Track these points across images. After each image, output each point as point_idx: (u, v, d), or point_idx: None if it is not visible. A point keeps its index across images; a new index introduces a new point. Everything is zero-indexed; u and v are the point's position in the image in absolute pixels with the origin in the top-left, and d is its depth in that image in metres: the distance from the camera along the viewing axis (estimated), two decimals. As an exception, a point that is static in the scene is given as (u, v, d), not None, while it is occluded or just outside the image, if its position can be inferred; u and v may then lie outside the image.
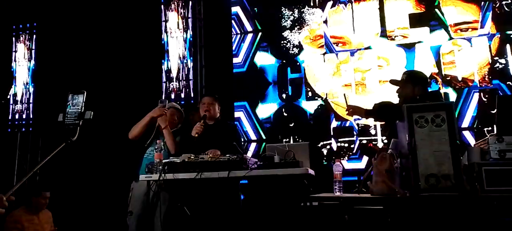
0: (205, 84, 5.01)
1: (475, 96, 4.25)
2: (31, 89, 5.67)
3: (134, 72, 5.00)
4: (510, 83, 4.21)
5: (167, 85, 5.10)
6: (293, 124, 4.75)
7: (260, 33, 5.03)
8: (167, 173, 2.54)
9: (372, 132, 4.48)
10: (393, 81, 2.87)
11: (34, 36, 5.73)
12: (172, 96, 5.05)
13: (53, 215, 3.60)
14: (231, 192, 2.91)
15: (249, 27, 5.09)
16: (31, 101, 5.62)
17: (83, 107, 1.71)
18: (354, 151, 4.52)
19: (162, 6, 5.28)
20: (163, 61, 5.15)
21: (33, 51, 5.70)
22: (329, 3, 4.85)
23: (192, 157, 2.62)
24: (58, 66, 5.35)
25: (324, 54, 4.79)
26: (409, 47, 4.52)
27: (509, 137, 2.23)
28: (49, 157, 1.60)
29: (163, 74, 5.13)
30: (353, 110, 2.84)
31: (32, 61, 5.71)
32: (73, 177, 4.85)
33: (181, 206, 2.84)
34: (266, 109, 4.86)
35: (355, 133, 4.54)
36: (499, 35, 4.31)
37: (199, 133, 2.94)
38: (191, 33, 5.14)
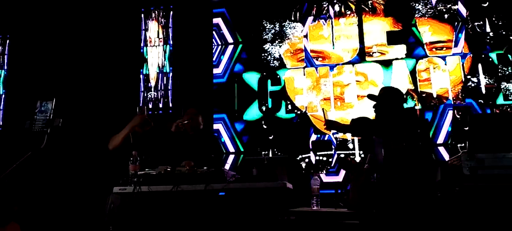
0: (184, 95, 4.95)
1: (450, 113, 4.38)
2: (3, 96, 5.47)
3: (111, 81, 4.90)
4: (482, 101, 4.36)
5: (145, 94, 5.02)
6: (272, 136, 4.76)
7: (240, 45, 5.04)
8: (142, 185, 2.49)
9: (350, 146, 4.53)
10: (370, 97, 2.92)
11: (8, 41, 5.55)
12: (150, 106, 4.97)
13: (22, 228, 3.44)
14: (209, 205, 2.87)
15: (230, 39, 5.09)
16: (1, 107, 5.41)
17: (52, 115, 1.65)
18: (332, 165, 4.55)
19: (142, 15, 5.23)
20: (141, 70, 5.08)
21: (5, 57, 5.52)
22: (310, 18, 4.93)
23: (169, 169, 2.57)
24: (32, 73, 5.19)
25: (304, 68, 4.84)
26: (386, 63, 4.63)
27: (480, 154, 2.29)
28: (14, 166, 1.53)
29: (141, 83, 5.05)
30: (330, 125, 2.87)
31: (4, 67, 5.52)
32: (45, 188, 4.67)
33: (155, 219, 2.76)
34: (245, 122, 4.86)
35: (333, 147, 4.58)
36: (471, 55, 4.48)
37: (179, 128, 2.97)
38: (171, 43, 5.10)
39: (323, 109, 2.96)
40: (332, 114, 4.62)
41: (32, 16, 5.20)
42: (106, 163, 3.12)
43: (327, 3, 4.91)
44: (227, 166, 4.68)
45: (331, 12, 4.88)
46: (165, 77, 5.04)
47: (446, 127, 4.36)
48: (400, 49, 4.63)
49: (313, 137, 4.66)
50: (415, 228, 2.27)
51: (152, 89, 5.03)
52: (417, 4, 4.69)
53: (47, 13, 5.14)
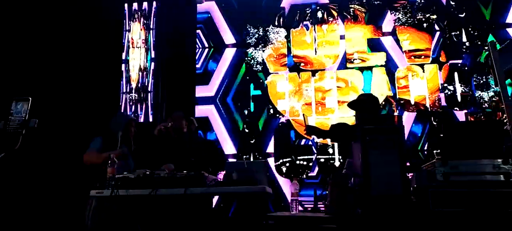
0: (166, 98, 4.92)
1: (426, 120, 4.49)
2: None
3: (92, 82, 4.82)
4: (458, 108, 4.49)
5: (126, 96, 4.96)
6: (254, 140, 4.77)
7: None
8: (120, 189, 2.45)
9: (330, 151, 4.59)
10: (350, 105, 2.98)
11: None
12: (132, 108, 4.92)
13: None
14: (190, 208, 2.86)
15: (215, 41, 5.11)
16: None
17: (27, 115, 1.62)
18: (313, 171, 4.59)
19: (126, 16, 5.17)
20: (123, 72, 5.02)
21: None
22: (293, 24, 4.98)
23: (148, 173, 2.55)
24: (7, 72, 5.04)
25: (286, 73, 4.88)
26: (366, 70, 4.72)
27: (453, 161, 2.37)
28: None
29: (122, 84, 4.99)
30: (311, 130, 2.91)
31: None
32: (21, 190, 4.54)
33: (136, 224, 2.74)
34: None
35: (314, 152, 4.62)
36: (448, 64, 4.61)
37: (161, 131, 2.96)
38: (153, 45, 5.06)
39: (303, 114, 3.00)
40: (313, 119, 4.67)
41: (7, 14, 5.07)
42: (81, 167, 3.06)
43: (310, 10, 4.98)
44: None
45: (314, 19, 4.96)
46: (146, 79, 5.00)
47: (422, 134, 4.48)
48: (380, 57, 4.73)
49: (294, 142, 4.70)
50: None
51: (133, 91, 4.97)
52: (397, 13, 4.80)
53: (24, 12, 5.02)
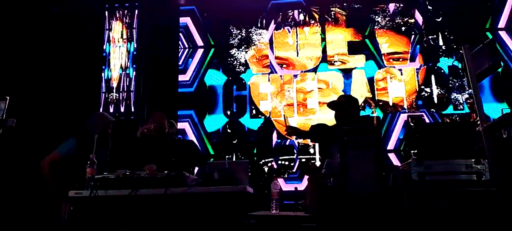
0: (148, 97, 4.88)
1: (400, 121, 4.60)
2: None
3: (72, 80, 4.73)
4: (434, 110, 4.63)
5: (107, 95, 4.89)
6: (236, 140, 4.79)
7: (212, 49, 5.05)
8: (99, 190, 2.43)
9: (311, 151, 4.65)
10: (330, 105, 3.03)
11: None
12: (111, 108, 4.85)
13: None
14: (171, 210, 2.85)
15: (199, 42, 5.09)
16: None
17: (4, 115, 1.59)
18: (294, 170, 4.64)
19: (106, 13, 5.10)
20: (103, 70, 4.95)
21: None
22: (275, 26, 5.03)
23: (128, 173, 2.53)
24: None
25: (269, 74, 4.92)
26: (347, 72, 4.80)
27: (428, 161, 2.44)
28: None
29: (103, 84, 4.92)
30: (291, 130, 2.95)
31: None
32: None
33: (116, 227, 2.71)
34: (214, 123, 4.86)
35: (295, 151, 4.68)
36: (425, 67, 4.75)
37: (144, 134, 2.95)
38: (135, 44, 5.01)
39: (284, 115, 3.04)
40: (295, 120, 4.73)
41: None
42: (60, 167, 3.01)
43: (292, 12, 5.04)
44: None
45: (296, 20, 5.01)
46: (127, 79, 4.94)
47: (396, 134, 4.59)
48: (359, 59, 4.82)
49: (276, 142, 4.74)
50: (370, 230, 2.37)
51: (114, 90, 4.91)
52: (376, 17, 4.91)
53: (1, 9, 4.89)
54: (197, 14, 5.16)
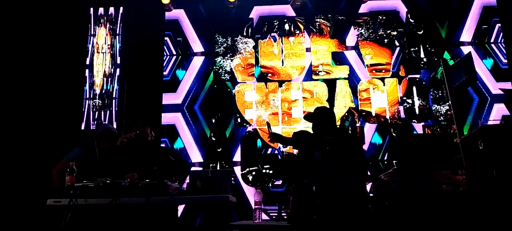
0: (131, 105, 4.82)
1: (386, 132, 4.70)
2: None
3: (55, 87, 4.65)
4: (415, 121, 4.72)
5: (89, 102, 4.82)
6: (221, 149, 4.78)
7: (180, 56, 5.05)
8: (79, 198, 2.39)
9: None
10: (306, 117, 3.07)
11: None
12: (95, 115, 4.78)
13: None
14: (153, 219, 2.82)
15: (174, 51, 5.10)
16: None
17: None
18: (279, 181, 4.64)
19: (91, 20, 5.05)
20: (86, 77, 4.89)
21: None
22: (261, 35, 5.07)
23: (108, 181, 2.49)
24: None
25: (254, 82, 4.94)
26: (331, 82, 4.87)
27: (408, 171, 2.49)
28: None
29: (86, 91, 4.85)
30: (274, 137, 2.97)
31: None
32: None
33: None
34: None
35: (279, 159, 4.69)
36: (407, 78, 4.85)
37: (124, 143, 2.93)
38: (119, 51, 4.97)
39: (267, 122, 3.05)
40: (280, 129, 4.75)
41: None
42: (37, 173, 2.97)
43: (278, 22, 5.09)
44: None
45: (281, 31, 5.07)
46: (111, 85, 4.89)
47: (382, 144, 4.67)
48: (343, 69, 4.90)
49: (260, 150, 4.75)
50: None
51: (97, 97, 4.85)
52: (360, 29, 5.01)
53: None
54: (182, 21, 5.16)
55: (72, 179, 2.43)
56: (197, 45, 5.10)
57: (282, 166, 2.98)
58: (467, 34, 4.90)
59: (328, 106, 4.69)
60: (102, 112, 4.79)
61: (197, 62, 5.05)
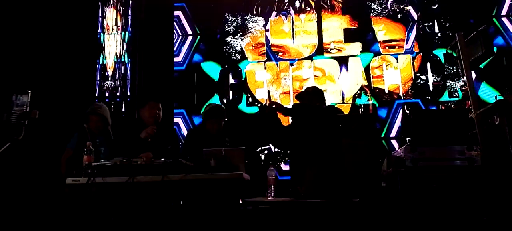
0: (143, 85, 4.87)
1: (401, 110, 4.65)
2: None
3: (66, 69, 4.70)
4: (429, 97, 4.66)
5: (102, 84, 4.88)
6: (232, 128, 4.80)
7: (198, 37, 5.03)
8: (97, 177, 2.45)
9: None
10: (298, 96, 3.08)
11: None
12: (108, 96, 4.84)
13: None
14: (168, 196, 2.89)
15: (189, 30, 5.07)
16: None
17: (28, 107, 1.76)
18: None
19: (100, 1, 5.05)
20: (98, 59, 4.93)
21: None
22: (272, 13, 5.01)
23: (125, 160, 2.54)
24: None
25: (265, 61, 4.92)
26: (342, 60, 4.81)
27: (422, 148, 2.47)
28: None
29: (98, 72, 4.90)
30: (276, 106, 2.99)
31: None
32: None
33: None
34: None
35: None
36: (421, 54, 4.76)
37: (148, 136, 2.98)
38: (129, 32, 4.98)
39: (268, 91, 3.07)
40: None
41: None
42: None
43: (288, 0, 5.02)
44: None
45: (292, 8, 4.99)
46: (123, 66, 4.92)
47: (398, 122, 4.63)
48: (356, 47, 4.83)
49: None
50: (363, 215, 2.42)
51: (109, 78, 4.89)
52: (373, 4, 4.90)
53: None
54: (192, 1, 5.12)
55: (89, 158, 2.48)
56: (207, 25, 5.06)
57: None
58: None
59: (337, 85, 4.67)
60: (115, 94, 4.85)
61: (207, 42, 5.03)
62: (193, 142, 3.27)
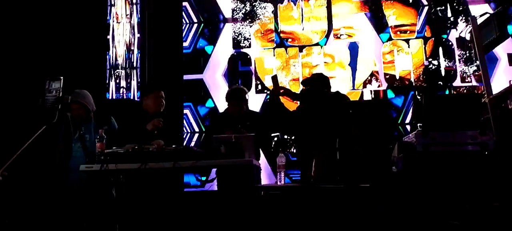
0: (153, 74, 4.89)
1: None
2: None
3: (75, 58, 4.75)
4: (441, 83, 4.59)
5: (112, 72, 4.92)
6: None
7: (202, 24, 5.01)
8: (109, 163, 2.49)
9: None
10: (304, 82, 3.07)
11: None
12: (119, 84, 4.89)
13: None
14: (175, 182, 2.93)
15: (195, 18, 5.06)
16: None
17: (61, 92, 1.87)
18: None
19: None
20: (108, 48, 4.96)
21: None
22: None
23: (136, 147, 2.58)
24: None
25: (274, 48, 4.89)
26: (353, 45, 4.75)
27: (433, 133, 2.45)
28: (34, 137, 1.86)
29: (109, 61, 4.94)
30: (284, 91, 2.99)
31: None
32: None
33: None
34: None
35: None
36: (433, 39, 4.68)
37: (154, 128, 3.02)
38: (138, 20, 4.99)
39: (275, 75, 3.05)
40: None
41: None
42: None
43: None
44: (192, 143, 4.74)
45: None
46: (132, 55, 4.95)
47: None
48: (367, 32, 4.76)
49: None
50: (374, 201, 2.42)
51: (119, 67, 4.93)
52: (384, -12, 4.81)
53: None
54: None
55: (102, 145, 2.53)
56: (216, 12, 5.05)
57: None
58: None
59: (347, 71, 4.63)
60: (125, 82, 4.89)
61: (216, 29, 5.02)
62: (216, 126, 3.29)
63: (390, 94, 4.61)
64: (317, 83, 2.98)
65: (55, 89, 1.88)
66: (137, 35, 4.97)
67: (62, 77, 1.91)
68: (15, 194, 3.94)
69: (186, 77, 4.94)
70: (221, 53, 4.97)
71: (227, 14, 5.02)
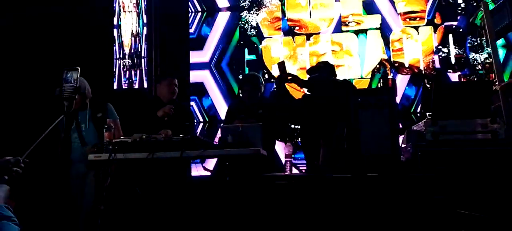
0: (160, 63, 4.90)
1: (419, 83, 4.53)
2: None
3: (83, 48, 4.76)
4: (451, 71, 4.52)
5: (119, 62, 4.93)
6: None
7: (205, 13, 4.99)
8: (118, 153, 2.51)
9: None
10: (310, 70, 3.04)
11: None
12: (126, 74, 4.90)
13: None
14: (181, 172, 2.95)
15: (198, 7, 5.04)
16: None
17: (78, 83, 1.88)
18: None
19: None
20: (115, 37, 4.96)
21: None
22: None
23: (144, 137, 2.59)
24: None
25: (281, 37, 4.85)
26: (361, 33, 4.69)
27: (443, 121, 2.42)
28: (52, 126, 1.96)
29: (116, 51, 4.95)
30: (292, 78, 2.97)
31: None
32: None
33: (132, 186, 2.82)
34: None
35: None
36: (443, 26, 4.59)
37: (164, 115, 3.03)
38: (145, 10, 4.97)
39: (283, 61, 3.02)
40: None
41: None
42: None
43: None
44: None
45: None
46: (139, 44, 4.95)
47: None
48: (375, 19, 4.69)
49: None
50: (382, 191, 2.41)
51: (127, 56, 4.94)
52: (392, -26, 4.72)
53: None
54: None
55: (110, 135, 2.54)
56: (222, 1, 5.01)
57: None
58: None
59: (356, 59, 4.58)
60: (132, 72, 4.90)
61: (222, 18, 4.98)
62: (231, 114, 3.29)
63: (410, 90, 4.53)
64: (323, 71, 2.96)
65: (72, 79, 1.89)
66: (144, 24, 4.96)
67: (79, 68, 1.92)
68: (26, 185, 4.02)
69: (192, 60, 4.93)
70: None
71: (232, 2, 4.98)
